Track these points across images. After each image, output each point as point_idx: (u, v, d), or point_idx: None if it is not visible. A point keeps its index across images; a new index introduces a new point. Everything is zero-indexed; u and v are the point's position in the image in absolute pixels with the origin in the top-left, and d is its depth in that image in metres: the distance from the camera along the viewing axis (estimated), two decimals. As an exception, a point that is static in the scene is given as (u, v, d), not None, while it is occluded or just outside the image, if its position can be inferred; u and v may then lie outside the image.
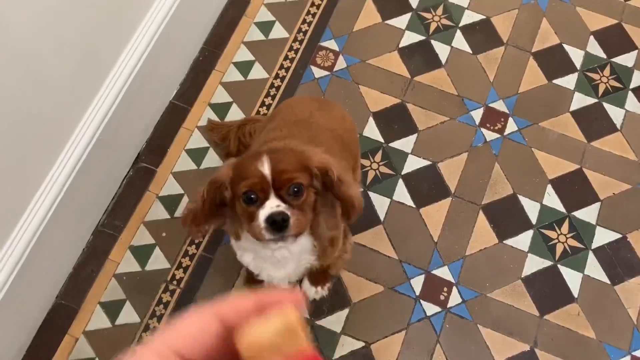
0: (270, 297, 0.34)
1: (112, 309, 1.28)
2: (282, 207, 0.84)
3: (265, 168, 0.84)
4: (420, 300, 1.30)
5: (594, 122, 1.48)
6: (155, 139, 1.43)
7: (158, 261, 1.32)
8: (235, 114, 1.45)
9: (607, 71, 1.53)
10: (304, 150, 0.90)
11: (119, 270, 1.31)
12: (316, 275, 1.24)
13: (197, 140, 1.42)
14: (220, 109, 1.46)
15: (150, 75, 1.34)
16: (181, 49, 1.47)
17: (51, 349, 1.24)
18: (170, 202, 1.37)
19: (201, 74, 1.49)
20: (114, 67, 1.23)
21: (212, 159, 1.41)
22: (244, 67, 1.50)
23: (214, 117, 1.45)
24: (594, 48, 1.56)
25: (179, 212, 1.36)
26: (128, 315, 1.27)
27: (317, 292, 1.27)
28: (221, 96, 1.47)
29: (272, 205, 0.84)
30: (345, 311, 1.28)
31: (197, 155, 1.41)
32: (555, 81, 1.52)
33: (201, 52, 1.52)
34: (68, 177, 1.17)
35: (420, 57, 1.53)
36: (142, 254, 1.32)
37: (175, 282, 1.30)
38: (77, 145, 1.18)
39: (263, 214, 0.83)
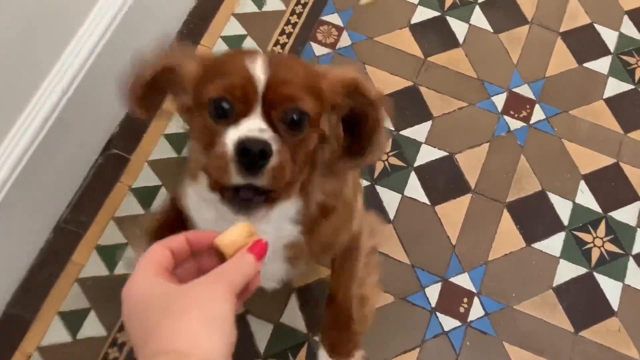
0: (197, 235, 0.51)
1: (73, 320, 1.08)
2: (268, 133, 0.55)
3: (258, 68, 0.55)
4: (437, 313, 1.11)
5: (630, 111, 1.31)
6: (130, 122, 1.23)
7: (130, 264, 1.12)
8: (223, 94, 1.26)
9: (643, 55, 1.37)
10: (321, 70, 0.61)
11: (83, 273, 1.11)
12: (335, 337, 0.88)
13: (177, 124, 1.23)
14: (206, 88, 1.27)
15: (123, 47, 1.14)
16: (161, 19, 1.28)
17: (-2, 368, 1.04)
18: (145, 195, 1.17)
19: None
20: (77, 35, 1.04)
21: (195, 146, 1.22)
22: (234, 42, 1.31)
23: (199, 98, 1.26)
24: (629, 29, 1.39)
25: (155, 207, 1.16)
26: (92, 327, 1.08)
27: None
28: (207, 74, 1.28)
29: (253, 126, 0.54)
30: (350, 325, 1.09)
31: (177, 141, 1.22)
32: (586, 65, 1.35)
33: (185, 25, 1.33)
34: (19, 161, 0.98)
35: (434, 35, 1.35)
36: (111, 255, 1.13)
37: (149, 289, 1.10)
38: (31, 123, 0.98)
39: (234, 134, 0.54)
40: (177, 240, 0.50)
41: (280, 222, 0.68)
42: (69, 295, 1.10)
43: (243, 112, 0.55)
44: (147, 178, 1.19)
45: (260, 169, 0.54)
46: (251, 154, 0.53)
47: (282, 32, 1.33)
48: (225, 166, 0.54)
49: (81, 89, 1.05)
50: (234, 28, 1.33)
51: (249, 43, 1.31)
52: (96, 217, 1.16)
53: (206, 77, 0.58)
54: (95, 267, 1.12)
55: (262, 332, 1.07)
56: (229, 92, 0.55)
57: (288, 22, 1.35)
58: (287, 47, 1.32)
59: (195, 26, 1.33)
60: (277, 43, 1.32)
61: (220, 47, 1.31)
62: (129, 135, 1.22)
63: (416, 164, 1.23)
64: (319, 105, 0.58)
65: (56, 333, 1.07)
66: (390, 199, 1.19)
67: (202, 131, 0.58)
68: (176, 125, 1.23)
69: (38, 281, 1.10)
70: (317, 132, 0.60)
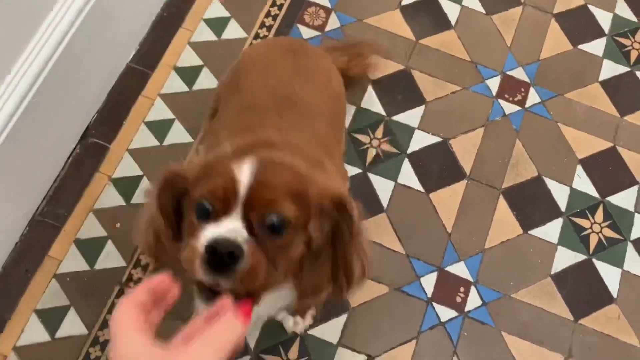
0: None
1: (51, 318, 1.02)
2: (240, 234, 0.55)
3: (243, 172, 0.57)
4: (433, 303, 1.08)
5: (626, 94, 1.28)
6: (109, 109, 1.18)
7: (110, 258, 1.07)
8: (205, 79, 1.20)
9: (638, 36, 1.34)
10: (311, 177, 0.62)
11: (61, 269, 1.06)
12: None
13: (160, 111, 1.17)
14: (188, 73, 1.21)
15: (101, 31, 1.08)
16: (140, 6, 1.21)
17: (-29, 371, 0.99)
18: (125, 186, 1.11)
19: (165, 33, 1.24)
20: (50, 14, 0.97)
21: (178, 133, 1.16)
22: (217, 25, 1.26)
23: (180, 83, 1.20)
24: (623, 10, 1.36)
25: (136, 198, 1.11)
26: (72, 325, 1.02)
27: (297, 324, 1.02)
28: (189, 59, 1.22)
29: (229, 226, 0.55)
30: (343, 318, 1.05)
31: (159, 128, 1.16)
32: (581, 47, 1.32)
33: (165, 7, 1.27)
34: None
35: (426, 17, 1.31)
36: (90, 249, 1.07)
37: (132, 284, 1.05)
38: (2, 109, 0.92)
39: (209, 232, 0.55)
40: (159, 280, 0.48)
41: (274, 299, 0.66)
42: (47, 292, 1.04)
43: (223, 212, 0.56)
44: (128, 168, 1.13)
45: (229, 270, 0.53)
46: (218, 254, 0.53)
47: (268, 14, 1.28)
48: (194, 261, 0.55)
49: (55, 72, 0.99)
50: (217, 10, 1.27)
51: (233, 26, 1.25)
52: (74, 209, 1.10)
53: (198, 179, 0.59)
54: (74, 262, 1.06)
55: (252, 328, 1.02)
56: (211, 193, 0.57)
57: (274, 4, 1.29)
58: (273, 29, 1.27)
59: (176, 8, 1.27)
60: (262, 25, 1.27)
61: (203, 31, 1.25)
62: (108, 122, 1.16)
63: (409, 150, 1.19)
64: (303, 211, 0.58)
65: (33, 332, 1.01)
66: (383, 187, 1.15)
67: (188, 228, 0.59)
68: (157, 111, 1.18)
69: (13, 278, 1.05)
70: (301, 241, 0.59)
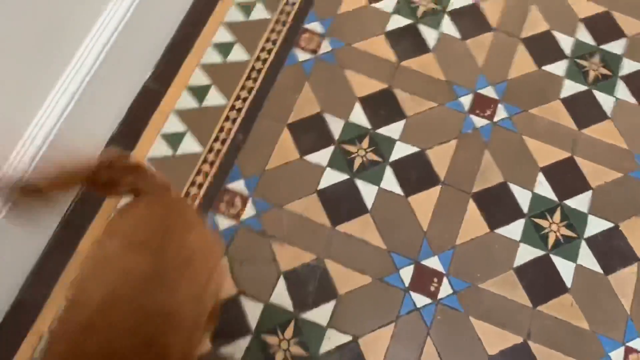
0: None
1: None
2: None
3: None
4: (410, 292, 1.24)
5: (584, 110, 1.45)
6: (129, 123, 1.34)
7: (131, 252, 1.23)
8: (214, 97, 1.37)
9: (596, 58, 1.50)
10: None
11: (88, 262, 1.22)
12: None
13: (174, 124, 1.34)
14: (199, 91, 1.38)
15: (124, 56, 1.25)
16: (156, 29, 1.39)
17: (13, 349, 1.14)
18: (144, 190, 1.28)
19: (178, 56, 1.41)
20: (81, 47, 1.14)
21: (189, 144, 1.33)
22: (224, 49, 1.43)
23: (192, 101, 1.37)
24: (584, 35, 1.53)
25: (154, 200, 1.27)
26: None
27: None
28: (200, 79, 1.39)
29: None
30: (332, 303, 1.21)
31: (173, 140, 1.33)
32: (545, 68, 1.48)
33: (178, 33, 1.44)
34: (30, 164, 1.08)
35: (407, 42, 1.48)
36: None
37: (149, 275, 1.21)
38: (39, 132, 1.09)
39: None
40: None
41: None
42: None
43: None
44: (146, 174, 1.29)
45: None
46: None
47: (268, 40, 1.45)
48: None
49: (86, 92, 1.16)
50: (224, 36, 1.44)
51: (237, 50, 1.42)
52: (100, 210, 1.26)
53: None
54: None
55: (253, 311, 1.19)
56: None
57: (273, 30, 1.46)
58: (273, 53, 1.44)
59: (187, 34, 1.44)
60: (263, 49, 1.44)
61: (211, 54, 1.42)
62: (128, 134, 1.33)
63: (391, 159, 1.35)
64: None
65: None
66: (367, 191, 1.32)
67: None
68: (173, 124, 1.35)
69: (48, 269, 1.21)
70: None
